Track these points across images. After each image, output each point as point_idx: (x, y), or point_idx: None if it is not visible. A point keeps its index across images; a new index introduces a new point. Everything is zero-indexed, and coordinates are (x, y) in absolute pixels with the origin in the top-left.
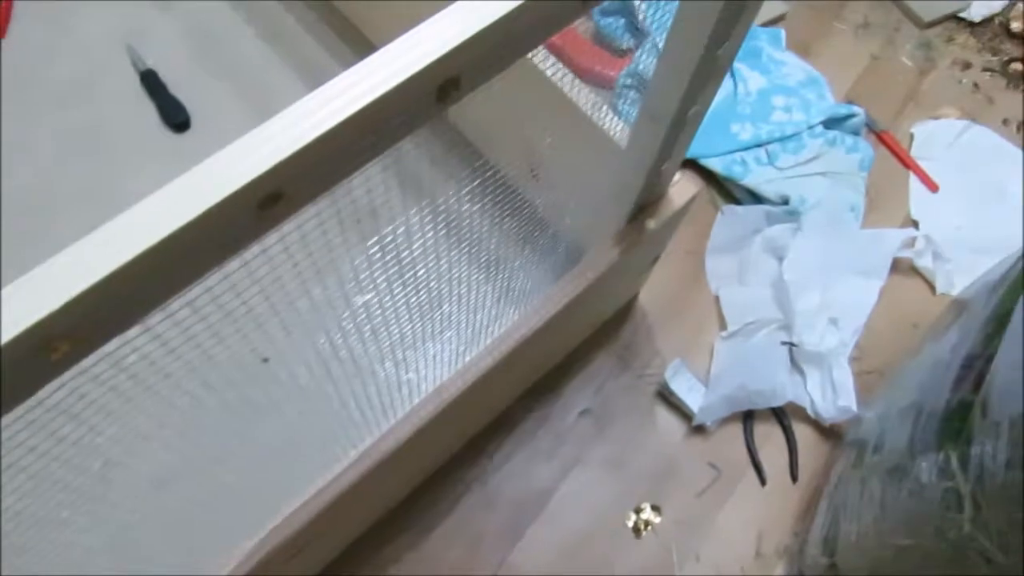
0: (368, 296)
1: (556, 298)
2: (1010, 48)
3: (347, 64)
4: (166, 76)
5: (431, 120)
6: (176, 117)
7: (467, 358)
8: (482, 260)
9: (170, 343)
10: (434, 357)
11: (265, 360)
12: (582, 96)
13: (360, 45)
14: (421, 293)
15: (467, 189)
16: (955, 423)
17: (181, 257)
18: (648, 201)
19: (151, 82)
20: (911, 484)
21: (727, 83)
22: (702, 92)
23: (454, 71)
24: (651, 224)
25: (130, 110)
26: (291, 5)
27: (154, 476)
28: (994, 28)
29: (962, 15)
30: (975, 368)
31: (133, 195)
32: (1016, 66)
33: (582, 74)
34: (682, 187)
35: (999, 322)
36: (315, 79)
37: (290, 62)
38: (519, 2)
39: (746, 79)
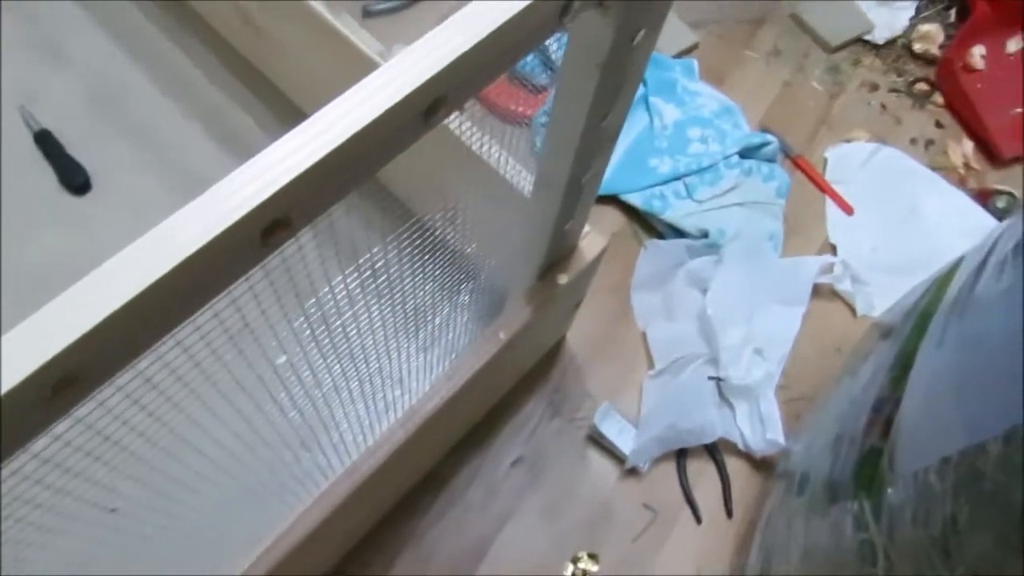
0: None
1: (469, 364)
2: (913, 68)
3: (254, 113)
4: (64, 137)
5: (258, 263)
6: (75, 179)
7: (379, 432)
8: (400, 321)
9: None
10: (335, 445)
11: (113, 510)
12: (493, 152)
13: (267, 93)
14: (332, 368)
15: (393, 248)
16: (867, 470)
17: None
18: (558, 257)
19: (46, 143)
20: (831, 528)
21: (643, 117)
22: (593, 160)
23: (281, 212)
24: (562, 279)
25: (25, 173)
26: (194, 57)
27: None
28: (897, 50)
29: (867, 38)
30: (884, 412)
31: (32, 262)
32: (920, 86)
33: (500, 114)
34: (592, 239)
35: (904, 365)
36: (221, 132)
37: (195, 116)
38: (352, 132)
39: (662, 112)
